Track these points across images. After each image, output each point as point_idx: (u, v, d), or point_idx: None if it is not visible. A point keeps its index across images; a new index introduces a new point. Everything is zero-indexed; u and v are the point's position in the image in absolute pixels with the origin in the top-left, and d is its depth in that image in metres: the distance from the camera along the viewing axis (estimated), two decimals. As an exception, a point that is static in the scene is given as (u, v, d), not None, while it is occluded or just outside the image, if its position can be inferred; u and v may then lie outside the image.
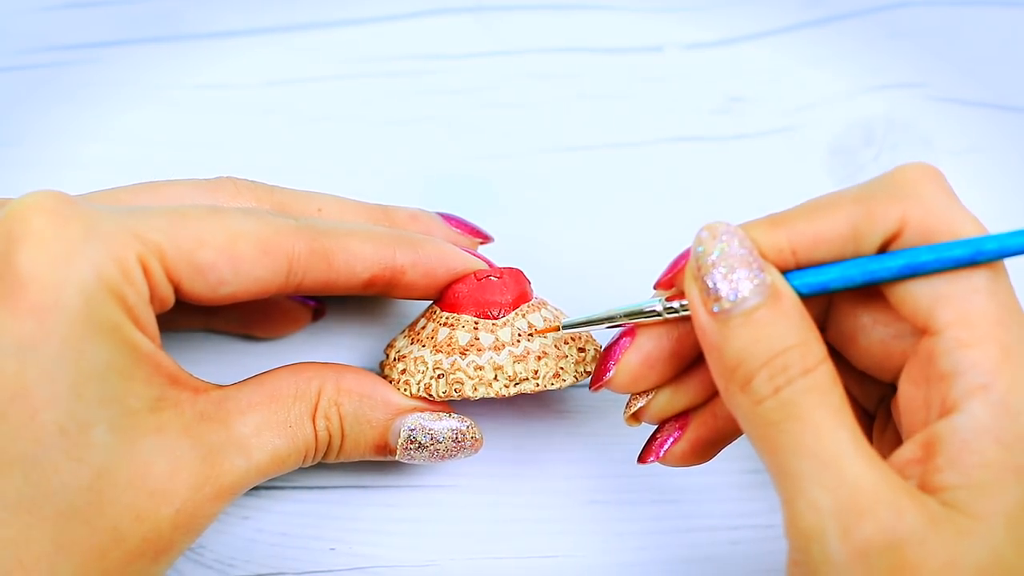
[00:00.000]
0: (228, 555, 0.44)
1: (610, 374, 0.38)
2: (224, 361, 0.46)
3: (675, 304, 0.37)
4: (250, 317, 0.45)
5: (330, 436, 0.39)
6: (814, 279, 0.35)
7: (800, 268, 0.35)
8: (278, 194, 0.41)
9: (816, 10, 0.50)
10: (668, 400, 0.39)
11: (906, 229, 0.34)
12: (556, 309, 0.42)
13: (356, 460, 0.41)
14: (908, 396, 0.35)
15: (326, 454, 0.40)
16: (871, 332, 0.36)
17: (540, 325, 0.41)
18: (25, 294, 0.33)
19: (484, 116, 0.49)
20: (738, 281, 0.33)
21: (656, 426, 0.40)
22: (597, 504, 0.45)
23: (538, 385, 0.40)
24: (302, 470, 0.43)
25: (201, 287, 0.36)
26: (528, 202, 0.48)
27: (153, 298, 0.35)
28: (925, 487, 0.33)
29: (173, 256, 0.35)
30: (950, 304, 0.33)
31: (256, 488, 0.44)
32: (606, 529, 0.45)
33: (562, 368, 0.40)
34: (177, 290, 0.36)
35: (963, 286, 0.33)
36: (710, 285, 0.34)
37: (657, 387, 0.39)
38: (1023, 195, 0.48)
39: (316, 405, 0.39)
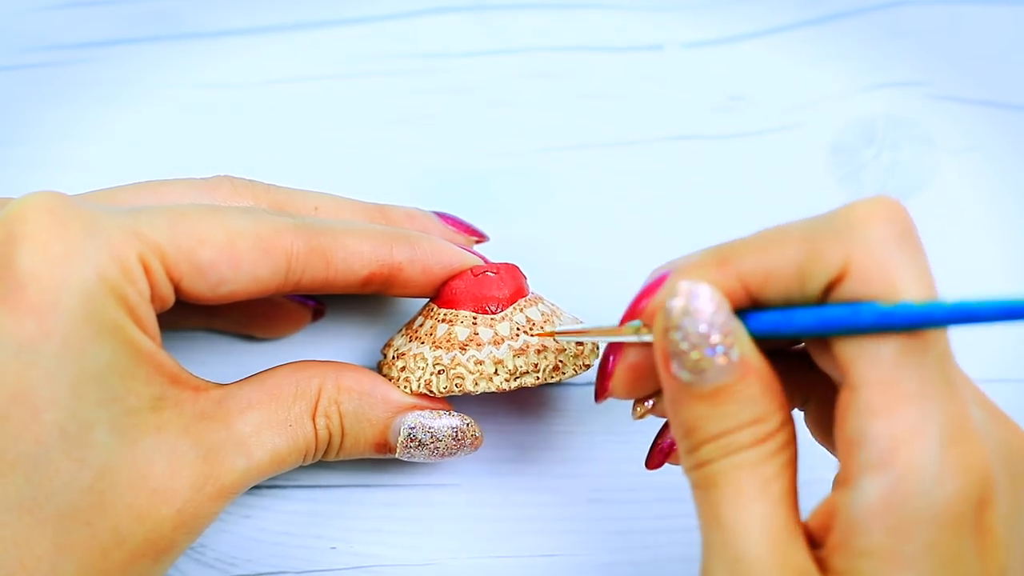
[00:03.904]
0: (229, 554, 0.44)
1: (609, 387, 0.38)
2: (224, 361, 0.46)
3: (649, 334, 0.35)
4: (251, 317, 0.45)
5: (330, 434, 0.39)
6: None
7: (755, 302, 0.33)
8: (275, 193, 0.41)
9: (817, 8, 0.50)
10: None
11: (848, 276, 0.31)
12: (552, 304, 0.42)
13: (356, 458, 0.41)
14: (836, 442, 0.33)
15: (326, 452, 0.40)
16: (825, 355, 0.34)
17: (537, 319, 0.41)
18: (25, 294, 0.33)
19: (484, 116, 0.49)
20: (705, 357, 0.32)
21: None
22: (597, 503, 0.45)
23: (538, 379, 0.40)
24: (303, 469, 0.44)
25: (201, 286, 0.36)
26: (527, 201, 0.48)
27: (153, 297, 0.35)
28: (823, 563, 0.32)
29: (173, 255, 0.35)
30: (870, 363, 0.31)
31: (257, 487, 0.44)
32: (606, 528, 0.45)
33: (561, 361, 0.40)
34: (177, 289, 0.36)
35: (887, 347, 0.31)
36: (674, 352, 0.32)
37: (658, 391, 0.38)
38: (1023, 195, 0.48)
39: (316, 403, 0.39)
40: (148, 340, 0.35)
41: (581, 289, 0.46)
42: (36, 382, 0.33)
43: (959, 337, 0.46)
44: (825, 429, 0.37)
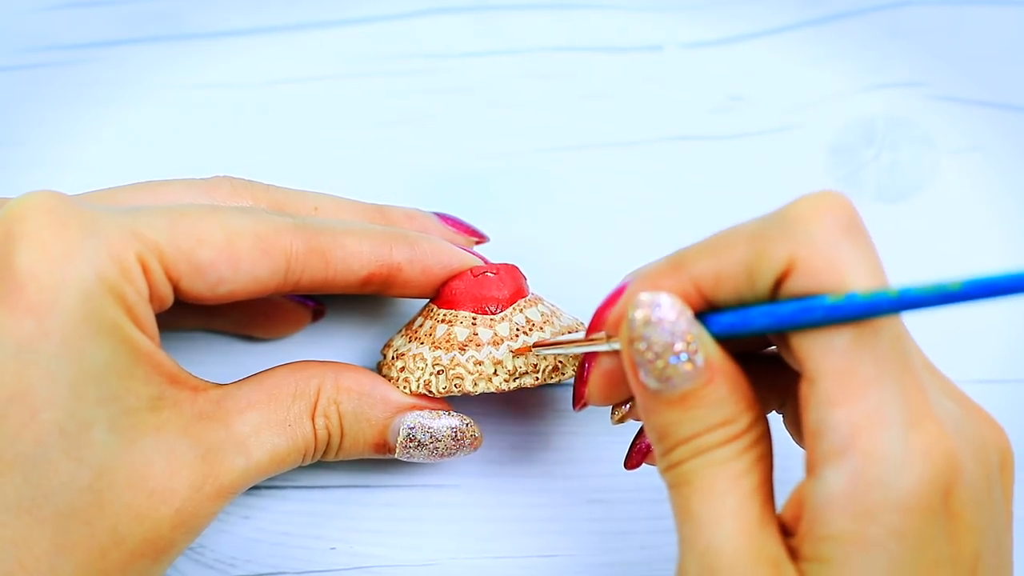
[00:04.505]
0: (229, 554, 0.44)
1: (586, 394, 0.38)
2: (224, 361, 0.46)
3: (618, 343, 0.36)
4: (250, 317, 0.45)
5: (329, 435, 0.39)
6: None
7: (711, 305, 0.33)
8: (274, 193, 0.41)
9: (816, 9, 0.50)
10: None
11: (795, 269, 0.31)
12: (552, 305, 0.42)
13: (355, 458, 0.41)
14: (803, 436, 0.33)
15: (325, 453, 0.40)
16: (788, 351, 0.34)
17: (537, 320, 0.41)
18: (24, 294, 0.33)
19: (484, 116, 0.49)
20: (671, 365, 0.32)
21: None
22: (597, 504, 0.45)
23: (538, 379, 0.40)
24: (303, 469, 0.44)
25: (200, 286, 0.36)
26: (527, 201, 0.48)
27: (152, 297, 0.35)
28: (795, 552, 0.32)
29: (172, 255, 0.35)
30: (825, 354, 0.31)
31: (257, 487, 0.44)
32: (606, 529, 0.45)
33: (561, 362, 0.40)
34: (176, 289, 0.36)
35: (841, 337, 0.31)
36: (641, 361, 0.33)
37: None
38: (1023, 195, 0.48)
39: (315, 404, 0.39)
40: (147, 340, 0.35)
41: (581, 289, 0.46)
42: (35, 381, 0.33)
43: (958, 337, 0.46)
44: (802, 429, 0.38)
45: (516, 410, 0.46)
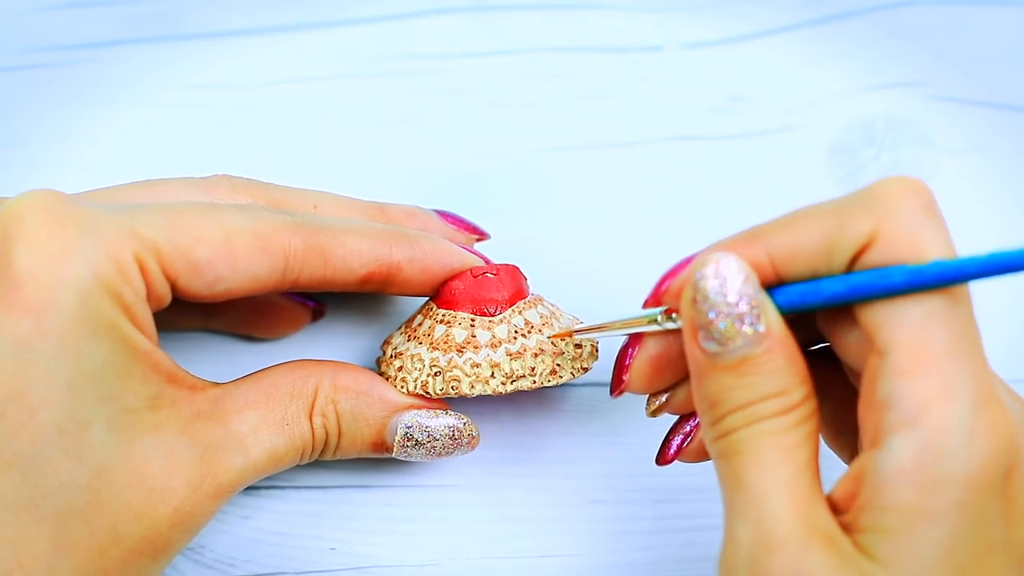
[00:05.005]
0: (228, 554, 0.44)
1: (626, 381, 0.38)
2: (223, 361, 0.46)
3: (672, 322, 0.36)
4: (249, 317, 0.45)
5: (327, 434, 0.39)
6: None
7: (781, 281, 0.34)
8: (273, 191, 0.41)
9: (816, 9, 0.50)
10: (687, 396, 0.39)
11: (875, 244, 0.32)
12: (552, 306, 0.42)
13: (353, 457, 0.41)
14: (861, 414, 0.33)
15: (323, 452, 0.40)
16: (847, 335, 0.35)
17: (536, 322, 0.41)
18: (22, 293, 0.33)
19: (484, 116, 0.49)
20: (733, 327, 0.33)
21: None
22: (597, 504, 0.45)
23: (535, 382, 0.40)
24: (301, 469, 0.44)
25: (198, 284, 0.36)
26: (527, 201, 0.48)
27: (150, 296, 0.35)
28: (848, 526, 0.32)
29: (170, 253, 0.35)
30: (899, 326, 0.31)
31: (256, 487, 0.44)
32: (606, 529, 0.45)
33: (559, 365, 0.40)
34: (174, 287, 0.36)
35: (915, 309, 0.31)
36: (702, 322, 0.33)
37: (674, 384, 0.39)
38: (1023, 195, 0.48)
39: (313, 403, 0.39)
40: (144, 339, 0.35)
41: (581, 289, 0.46)
42: (33, 381, 0.33)
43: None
44: (837, 430, 0.38)
45: (515, 410, 0.46)
